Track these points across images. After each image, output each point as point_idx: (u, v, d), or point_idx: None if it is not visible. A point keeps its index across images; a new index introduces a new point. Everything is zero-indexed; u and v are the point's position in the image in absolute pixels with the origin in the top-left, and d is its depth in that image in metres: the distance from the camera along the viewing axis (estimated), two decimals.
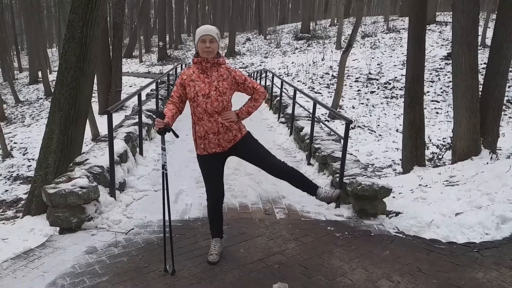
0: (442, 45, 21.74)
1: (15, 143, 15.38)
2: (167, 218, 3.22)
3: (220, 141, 3.14)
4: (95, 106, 14.90)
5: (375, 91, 17.96)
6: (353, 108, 16.38)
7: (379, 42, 25.16)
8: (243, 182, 5.51)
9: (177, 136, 3.15)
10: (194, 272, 3.22)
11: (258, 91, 3.26)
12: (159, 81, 8.95)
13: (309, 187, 3.36)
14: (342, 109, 16.14)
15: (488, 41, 13.87)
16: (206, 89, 3.07)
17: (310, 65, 22.74)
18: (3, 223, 6.57)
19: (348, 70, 19.57)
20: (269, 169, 3.29)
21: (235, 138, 3.19)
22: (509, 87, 12.59)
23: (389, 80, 18.85)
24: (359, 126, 14.46)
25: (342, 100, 16.62)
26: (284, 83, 10.16)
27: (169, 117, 3.05)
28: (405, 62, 13.56)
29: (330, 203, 3.36)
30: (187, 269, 3.26)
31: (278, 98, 10.60)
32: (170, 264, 3.26)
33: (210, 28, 3.08)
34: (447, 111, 14.82)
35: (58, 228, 4.08)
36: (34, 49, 27.20)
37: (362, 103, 16.79)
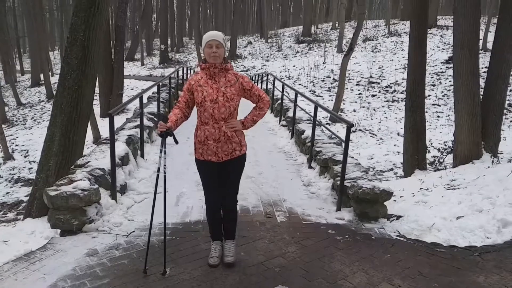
0: (443, 49, 21.75)
1: (16, 145, 15.40)
2: (159, 221, 3.25)
3: (218, 150, 3.15)
4: (96, 109, 14.91)
5: (376, 95, 17.96)
6: (354, 111, 16.38)
7: (380, 45, 25.18)
8: (244, 185, 5.50)
9: (176, 142, 3.18)
10: (195, 275, 3.22)
11: (263, 100, 3.30)
12: (160, 84, 8.96)
13: (228, 235, 3.45)
14: (343, 112, 16.14)
15: (489, 45, 13.89)
16: (213, 95, 3.09)
17: (311, 68, 22.75)
18: (4, 225, 6.58)
19: (349, 74, 19.57)
20: (224, 197, 3.33)
21: (233, 153, 3.21)
22: (510, 91, 12.57)
23: (390, 83, 18.86)
24: (360, 130, 14.45)
25: (343, 104, 16.62)
26: (285, 86, 10.17)
27: (172, 121, 3.08)
28: (406, 65, 13.57)
29: (222, 258, 3.41)
30: (187, 271, 3.26)
31: (279, 101, 10.61)
32: (171, 266, 3.27)
33: (216, 33, 3.12)
34: (448, 115, 14.81)
35: (59, 231, 4.08)
36: (36, 51, 27.28)
37: (363, 107, 16.79)
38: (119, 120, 9.57)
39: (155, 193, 3.24)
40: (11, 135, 16.98)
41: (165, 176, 3.23)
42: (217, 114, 3.09)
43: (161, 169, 3.22)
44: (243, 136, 3.29)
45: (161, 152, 3.18)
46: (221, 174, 3.29)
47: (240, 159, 3.27)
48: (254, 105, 3.36)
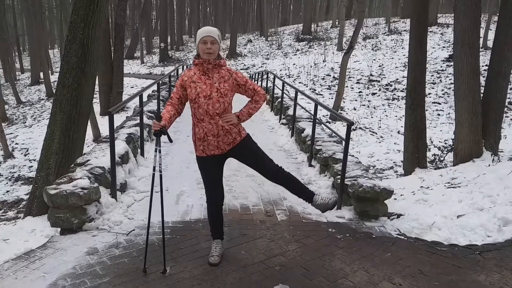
0: (444, 47, 21.73)
1: (16, 143, 15.39)
2: (159, 219, 3.24)
3: (219, 143, 3.14)
4: (96, 107, 14.92)
5: (376, 93, 17.95)
6: (355, 109, 16.37)
7: (380, 43, 25.16)
8: (244, 183, 5.51)
9: (171, 141, 3.16)
10: (195, 273, 3.21)
11: (258, 93, 3.26)
12: (160, 82, 8.96)
13: (306, 194, 3.36)
14: (344, 110, 16.13)
15: (490, 43, 13.88)
16: (207, 91, 3.07)
17: (311, 66, 22.74)
18: (4, 224, 6.58)
19: (349, 72, 19.56)
20: (266, 173, 3.29)
21: (235, 141, 3.19)
22: (510, 89, 12.58)
23: (391, 81, 18.85)
24: (360, 128, 14.45)
25: (344, 102, 16.61)
26: (285, 84, 10.16)
27: (166, 119, 3.04)
28: (406, 64, 13.56)
29: (326, 211, 3.39)
30: (188, 270, 3.26)
31: (280, 99, 10.60)
32: (171, 265, 3.27)
33: (211, 29, 3.09)
34: (449, 113, 14.81)
35: (59, 229, 4.08)
36: (36, 50, 27.26)
37: (364, 105, 16.78)
38: (119, 119, 9.61)
39: (152, 192, 3.22)
40: (11, 133, 16.97)
41: (161, 175, 3.22)
42: (211, 110, 3.07)
43: (157, 167, 3.21)
44: (240, 125, 3.26)
45: (156, 151, 3.17)
46: (244, 161, 3.28)
47: (243, 142, 3.23)
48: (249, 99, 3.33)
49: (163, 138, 3.11)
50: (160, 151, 3.16)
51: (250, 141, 3.29)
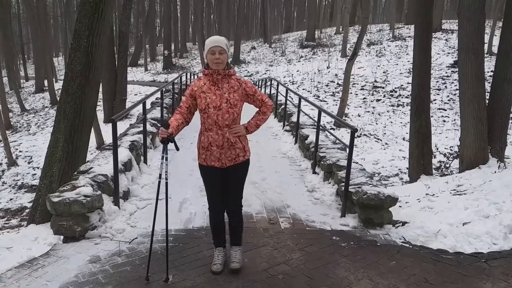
0: (449, 53, 21.68)
1: (20, 151, 15.45)
2: (162, 227, 3.23)
3: (221, 156, 3.14)
4: (100, 115, 14.98)
5: (381, 99, 17.90)
6: (359, 116, 16.33)
7: (384, 50, 25.13)
8: (248, 191, 5.45)
9: (177, 149, 3.16)
10: (198, 282, 3.19)
11: (266, 104, 3.29)
12: (164, 89, 8.98)
13: (233, 240, 3.45)
14: (348, 117, 16.09)
15: (495, 49, 13.84)
16: (217, 101, 3.07)
17: (315, 73, 22.74)
18: (8, 232, 6.59)
19: (353, 78, 19.52)
20: (230, 203, 3.34)
21: (237, 159, 3.20)
22: None
23: (395, 88, 18.80)
24: (365, 135, 14.40)
25: (348, 108, 16.58)
26: (289, 91, 10.16)
27: (174, 127, 3.05)
28: (411, 70, 13.53)
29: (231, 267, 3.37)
30: (190, 278, 3.23)
31: (283, 106, 10.59)
32: (173, 273, 3.24)
33: (219, 39, 3.09)
34: (454, 119, 14.73)
35: (62, 237, 4.07)
36: (40, 58, 27.47)
37: (368, 111, 16.74)
38: (122, 126, 9.62)
39: (157, 200, 3.22)
40: (15, 141, 17.04)
41: (166, 183, 3.21)
42: (220, 120, 3.08)
43: (163, 175, 3.21)
44: (246, 141, 3.27)
45: (162, 158, 3.16)
46: (225, 180, 3.27)
47: (243, 164, 3.26)
48: (257, 109, 3.34)
49: (169, 145, 3.11)
50: (166, 159, 3.16)
51: (246, 168, 3.33)
